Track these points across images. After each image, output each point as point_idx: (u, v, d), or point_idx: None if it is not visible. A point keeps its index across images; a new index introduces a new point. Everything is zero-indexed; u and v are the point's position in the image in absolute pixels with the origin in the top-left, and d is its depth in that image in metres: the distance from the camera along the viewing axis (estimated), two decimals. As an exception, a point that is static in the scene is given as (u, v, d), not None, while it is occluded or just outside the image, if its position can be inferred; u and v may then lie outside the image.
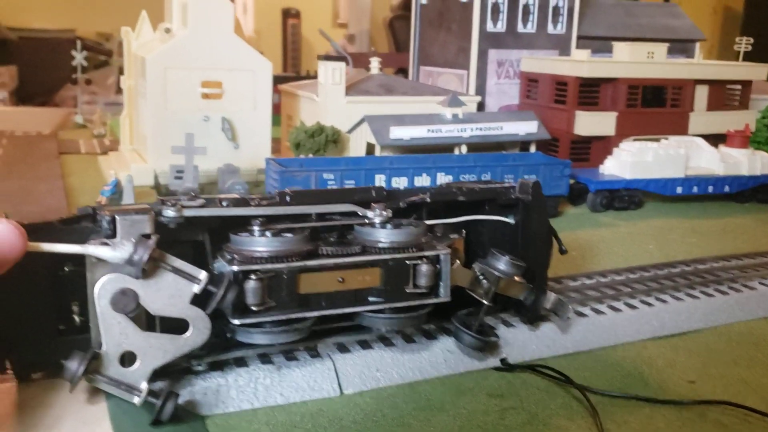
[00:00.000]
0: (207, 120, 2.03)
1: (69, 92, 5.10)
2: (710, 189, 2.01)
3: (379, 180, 1.68)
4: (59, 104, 4.72)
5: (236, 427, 0.84)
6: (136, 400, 0.82)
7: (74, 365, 0.79)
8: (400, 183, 1.70)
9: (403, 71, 3.28)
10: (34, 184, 1.94)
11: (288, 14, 6.15)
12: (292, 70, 5.39)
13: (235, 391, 0.89)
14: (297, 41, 6.12)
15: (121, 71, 4.84)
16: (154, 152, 2.00)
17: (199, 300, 0.85)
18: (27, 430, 0.78)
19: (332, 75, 2.08)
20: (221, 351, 0.94)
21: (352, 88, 2.17)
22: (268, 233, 0.89)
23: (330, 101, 2.10)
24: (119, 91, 4.90)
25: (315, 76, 3.83)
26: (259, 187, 1.99)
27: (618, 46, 2.31)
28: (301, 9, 6.13)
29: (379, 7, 5.80)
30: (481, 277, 1.01)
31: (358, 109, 2.06)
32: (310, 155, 1.97)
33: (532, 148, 2.08)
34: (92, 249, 0.79)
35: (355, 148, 2.04)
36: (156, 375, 0.85)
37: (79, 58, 2.99)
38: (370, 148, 1.98)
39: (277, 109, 2.20)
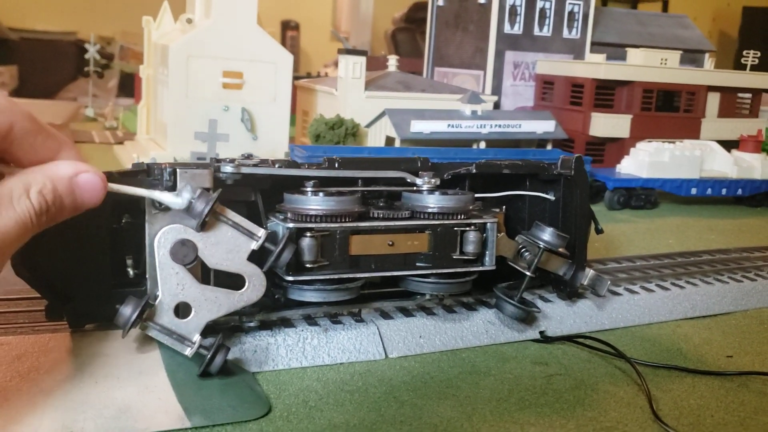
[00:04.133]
0: (227, 110, 2.04)
1: (70, 93, 5.10)
2: (724, 191, 2.04)
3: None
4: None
5: (288, 383, 0.85)
6: (188, 351, 0.83)
7: (128, 311, 0.79)
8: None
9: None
10: (53, 167, 1.94)
11: (287, 26, 6.17)
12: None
13: (284, 349, 0.90)
14: (296, 53, 6.13)
15: (121, 74, 4.84)
16: (173, 140, 2.01)
17: (254, 258, 0.85)
18: (85, 378, 0.79)
19: (353, 69, 2.09)
20: (270, 310, 0.95)
21: (370, 84, 2.19)
22: (321, 193, 0.90)
23: (349, 95, 2.12)
24: (120, 94, 4.92)
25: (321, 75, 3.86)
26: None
27: (632, 52, 2.34)
28: (300, 21, 6.15)
29: (380, 19, 5.83)
30: (523, 249, 1.02)
31: (376, 104, 2.08)
32: (330, 147, 1.98)
33: (548, 147, 2.10)
34: (157, 194, 0.80)
35: (374, 141, 2.06)
36: (207, 331, 0.85)
37: (92, 51, 3.00)
38: (389, 142, 2.00)
39: (291, 107, 2.21)
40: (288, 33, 6.16)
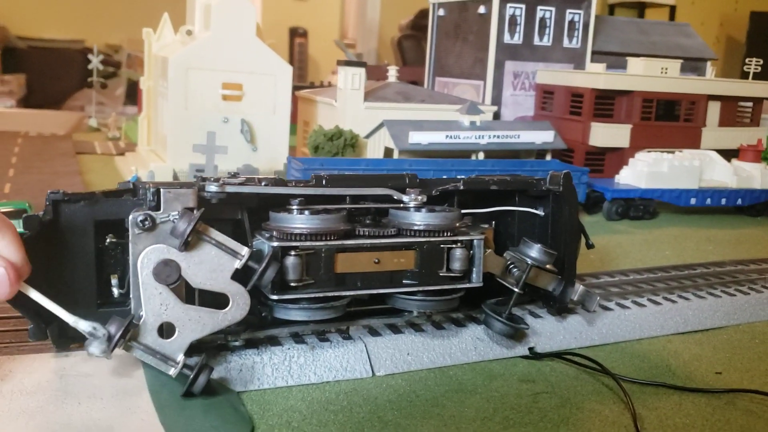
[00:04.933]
0: (226, 122, 2.05)
1: (77, 102, 5.13)
2: (723, 201, 2.03)
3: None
4: (67, 113, 4.74)
5: (272, 403, 0.85)
6: (172, 371, 0.83)
7: (112, 331, 0.79)
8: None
9: (413, 84, 3.31)
10: (53, 179, 1.96)
11: (295, 33, 6.18)
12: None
13: (270, 368, 0.90)
14: (303, 60, 6.15)
15: (129, 82, 4.85)
16: (173, 152, 2.02)
17: (239, 277, 0.86)
18: (68, 399, 0.79)
19: (352, 80, 2.10)
20: (256, 329, 0.95)
21: (370, 95, 2.20)
22: (306, 212, 0.90)
23: (349, 106, 2.12)
24: (127, 101, 4.94)
25: (324, 85, 3.87)
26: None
27: (632, 61, 2.34)
28: (308, 28, 6.16)
29: (387, 26, 5.83)
30: (511, 266, 1.02)
31: (376, 115, 2.08)
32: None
33: (548, 158, 2.10)
34: (82, 325, 0.79)
35: (373, 152, 2.06)
36: (192, 350, 0.85)
37: (95, 62, 3.02)
38: (387, 153, 2.00)
39: (292, 118, 2.21)
40: (296, 40, 6.17)
